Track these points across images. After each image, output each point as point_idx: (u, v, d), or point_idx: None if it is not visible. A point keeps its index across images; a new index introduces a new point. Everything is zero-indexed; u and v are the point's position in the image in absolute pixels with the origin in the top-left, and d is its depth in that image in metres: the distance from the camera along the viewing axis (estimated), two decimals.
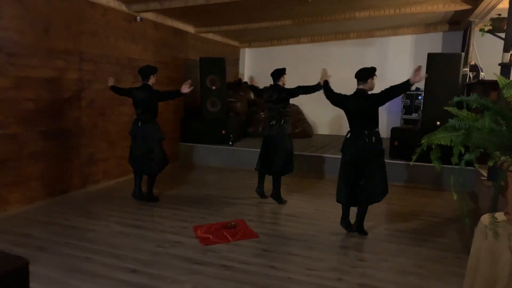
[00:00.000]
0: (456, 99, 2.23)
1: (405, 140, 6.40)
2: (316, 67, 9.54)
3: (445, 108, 2.31)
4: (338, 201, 4.06)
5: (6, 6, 4.21)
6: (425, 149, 2.39)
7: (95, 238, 3.82)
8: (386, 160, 6.29)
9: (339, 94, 4.13)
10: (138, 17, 6.29)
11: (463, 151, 2.30)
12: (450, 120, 2.27)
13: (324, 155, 6.78)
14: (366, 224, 4.13)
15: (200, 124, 7.63)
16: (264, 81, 9.77)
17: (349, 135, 3.99)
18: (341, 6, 6.74)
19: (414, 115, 8.54)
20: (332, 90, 4.28)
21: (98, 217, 4.43)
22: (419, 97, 8.42)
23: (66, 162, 5.14)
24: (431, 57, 6.32)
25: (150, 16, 6.63)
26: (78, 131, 5.32)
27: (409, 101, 8.61)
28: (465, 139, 2.21)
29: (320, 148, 7.53)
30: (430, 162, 2.37)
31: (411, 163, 2.48)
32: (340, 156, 4.09)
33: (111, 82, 4.97)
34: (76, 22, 5.13)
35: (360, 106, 3.89)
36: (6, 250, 3.46)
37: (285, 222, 4.45)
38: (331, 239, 3.93)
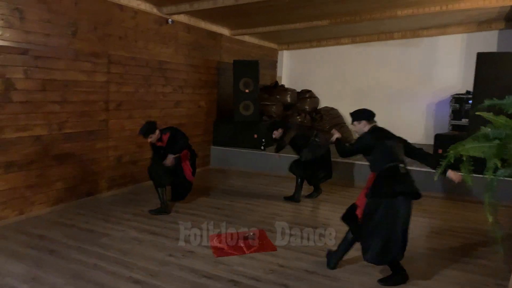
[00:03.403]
0: (486, 102, 1.86)
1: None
2: (357, 69, 9.21)
3: (476, 113, 1.93)
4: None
5: (32, 9, 4.27)
6: (451, 161, 2.05)
7: (108, 244, 3.74)
8: (428, 170, 5.85)
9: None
10: (170, 20, 6.24)
11: (499, 165, 1.92)
12: (482, 127, 1.91)
13: (357, 162, 6.36)
14: None
15: (233, 127, 7.48)
16: (302, 83, 9.53)
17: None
18: (380, 4, 6.31)
19: (464, 121, 7.83)
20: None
21: (117, 221, 4.37)
22: (470, 101, 7.72)
23: (92, 164, 5.17)
24: (481, 57, 5.74)
25: (182, 18, 6.57)
26: (106, 134, 5.33)
27: (458, 106, 7.92)
28: (500, 150, 1.84)
29: None
30: (477, 172, 2.01)
31: (435, 178, 2.13)
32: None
33: None
34: (104, 24, 5.15)
35: None
36: (18, 251, 3.48)
37: (308, 234, 4.13)
38: (355, 256, 3.57)
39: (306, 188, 5.56)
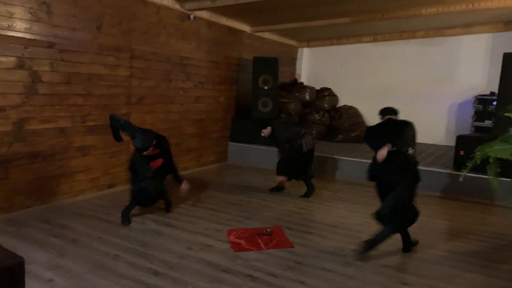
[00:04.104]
0: None
1: (472, 149, 5.70)
2: (378, 68, 9.10)
3: (505, 114, 1.89)
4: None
5: (59, 3, 4.36)
6: (478, 162, 2.01)
7: (128, 235, 3.80)
8: (449, 171, 5.76)
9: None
10: (192, 16, 6.28)
11: None
12: (511, 128, 1.87)
13: None
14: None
15: (251, 124, 7.48)
16: (322, 81, 9.47)
17: None
18: (404, 2, 6.22)
19: (487, 122, 7.68)
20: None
21: (137, 213, 4.44)
22: (494, 103, 7.56)
23: (113, 157, 5.25)
24: (508, 57, 5.61)
25: (204, 15, 6.61)
26: None
27: (481, 107, 7.78)
28: None
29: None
30: (502, 175, 1.97)
31: (460, 178, 2.09)
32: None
33: None
34: (128, 19, 5.22)
35: None
36: (42, 239, 3.57)
37: (325, 232, 4.13)
38: (372, 256, 3.55)
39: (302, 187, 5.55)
